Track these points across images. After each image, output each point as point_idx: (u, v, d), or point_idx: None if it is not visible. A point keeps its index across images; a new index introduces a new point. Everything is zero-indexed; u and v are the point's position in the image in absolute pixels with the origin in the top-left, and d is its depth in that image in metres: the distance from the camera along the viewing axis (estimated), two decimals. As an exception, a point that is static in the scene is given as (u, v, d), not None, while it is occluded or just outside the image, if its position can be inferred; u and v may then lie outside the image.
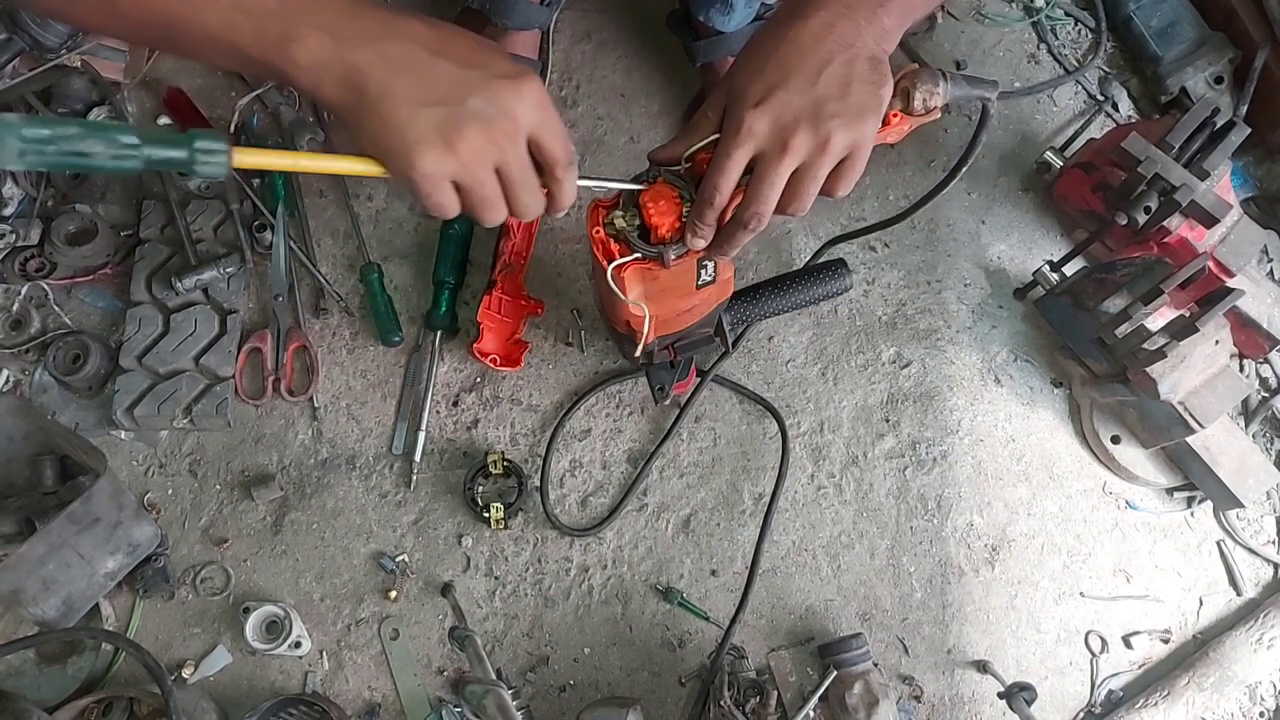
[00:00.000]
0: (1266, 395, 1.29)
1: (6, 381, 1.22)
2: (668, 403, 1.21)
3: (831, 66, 0.72)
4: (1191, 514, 1.26)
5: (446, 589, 1.17)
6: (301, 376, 1.24)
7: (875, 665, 1.12)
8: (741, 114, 0.73)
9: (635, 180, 0.80)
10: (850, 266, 1.12)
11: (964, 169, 0.95)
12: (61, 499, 1.09)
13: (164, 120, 1.31)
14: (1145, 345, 1.09)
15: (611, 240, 0.81)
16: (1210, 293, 1.10)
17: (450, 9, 1.32)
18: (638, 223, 0.80)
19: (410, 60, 0.66)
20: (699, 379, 1.23)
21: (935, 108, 0.80)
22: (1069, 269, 1.26)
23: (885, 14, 0.75)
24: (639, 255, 0.80)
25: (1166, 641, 1.22)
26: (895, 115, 0.80)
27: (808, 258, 1.30)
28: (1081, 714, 1.19)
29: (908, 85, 0.79)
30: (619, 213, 0.81)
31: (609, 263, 0.81)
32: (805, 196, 0.76)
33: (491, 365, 1.21)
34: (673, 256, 0.80)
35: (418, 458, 1.20)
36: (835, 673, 1.09)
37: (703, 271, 0.87)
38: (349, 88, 0.65)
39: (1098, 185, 1.22)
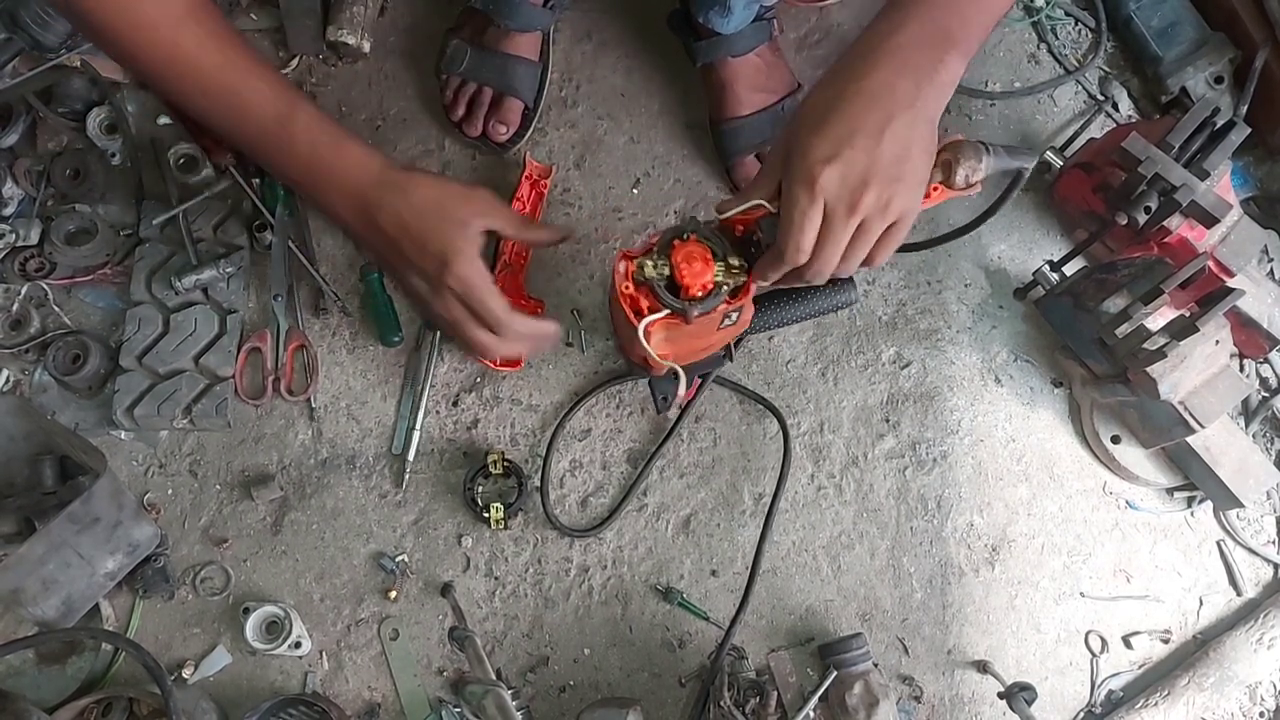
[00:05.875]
0: (1266, 395, 1.29)
1: (6, 381, 1.22)
2: (670, 412, 1.22)
3: (892, 127, 0.71)
4: (1191, 514, 1.26)
5: (446, 589, 1.17)
6: (301, 376, 1.24)
7: (875, 665, 1.11)
8: (812, 170, 0.71)
9: (671, 230, 0.82)
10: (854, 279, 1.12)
11: (990, 218, 0.95)
12: (61, 499, 1.09)
13: (163, 120, 1.31)
14: (1145, 345, 1.09)
15: (640, 295, 0.81)
16: (1210, 293, 1.10)
17: (453, 10, 1.32)
18: (667, 272, 0.80)
19: (388, 243, 0.95)
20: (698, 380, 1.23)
21: (976, 183, 0.79)
22: (1069, 269, 1.26)
23: (944, 69, 0.73)
24: (666, 312, 0.81)
25: (1166, 641, 1.22)
26: (935, 188, 0.78)
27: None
28: (1081, 714, 1.19)
29: (950, 158, 0.77)
30: (649, 261, 0.80)
31: (639, 320, 0.81)
32: (856, 258, 0.75)
33: (491, 365, 1.21)
34: (696, 314, 0.80)
35: (410, 456, 1.20)
36: (835, 673, 1.09)
37: (727, 319, 0.87)
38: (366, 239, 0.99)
39: (1098, 185, 1.22)
